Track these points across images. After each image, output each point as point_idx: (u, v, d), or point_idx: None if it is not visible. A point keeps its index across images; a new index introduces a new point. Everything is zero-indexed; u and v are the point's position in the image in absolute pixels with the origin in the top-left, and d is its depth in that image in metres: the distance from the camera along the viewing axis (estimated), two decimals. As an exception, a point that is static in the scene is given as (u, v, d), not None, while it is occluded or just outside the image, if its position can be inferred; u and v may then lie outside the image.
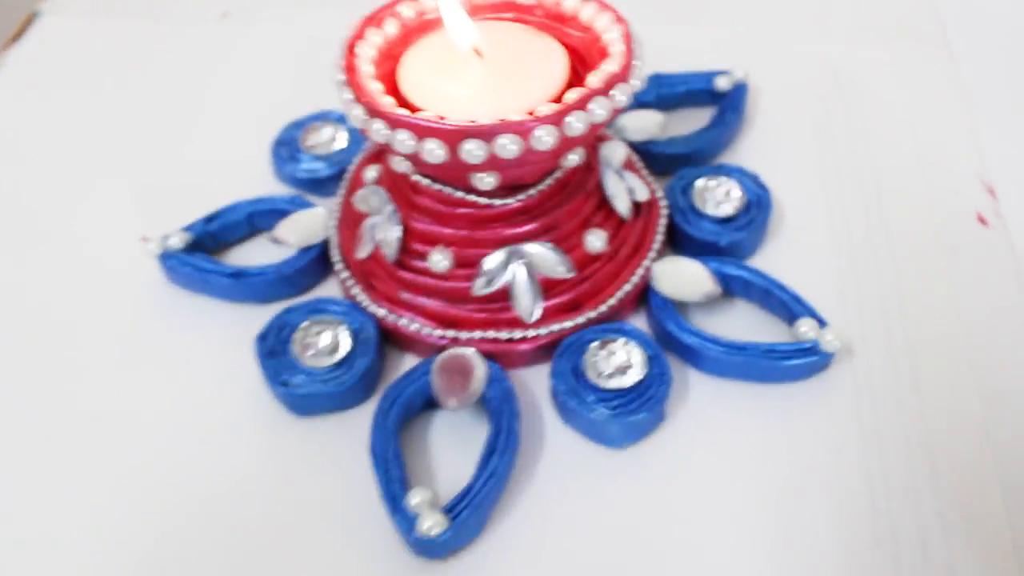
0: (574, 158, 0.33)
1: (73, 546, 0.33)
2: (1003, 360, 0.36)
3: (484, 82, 0.34)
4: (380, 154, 0.39)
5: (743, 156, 0.45)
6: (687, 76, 0.47)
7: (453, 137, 0.30)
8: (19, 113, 0.50)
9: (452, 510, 0.31)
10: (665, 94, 0.47)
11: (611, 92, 0.32)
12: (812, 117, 0.47)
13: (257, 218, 0.42)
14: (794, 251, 0.41)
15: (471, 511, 0.31)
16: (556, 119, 0.31)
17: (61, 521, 0.33)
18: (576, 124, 0.31)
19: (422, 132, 0.31)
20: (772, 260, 0.40)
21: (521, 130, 0.30)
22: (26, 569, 0.32)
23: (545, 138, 0.31)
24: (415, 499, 0.31)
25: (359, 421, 0.35)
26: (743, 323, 0.38)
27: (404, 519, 0.31)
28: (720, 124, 0.45)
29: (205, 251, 0.40)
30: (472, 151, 0.30)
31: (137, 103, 0.50)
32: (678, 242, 0.40)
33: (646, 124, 0.44)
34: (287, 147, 0.45)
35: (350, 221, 0.39)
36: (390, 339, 0.38)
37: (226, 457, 0.35)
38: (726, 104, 0.46)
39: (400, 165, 0.33)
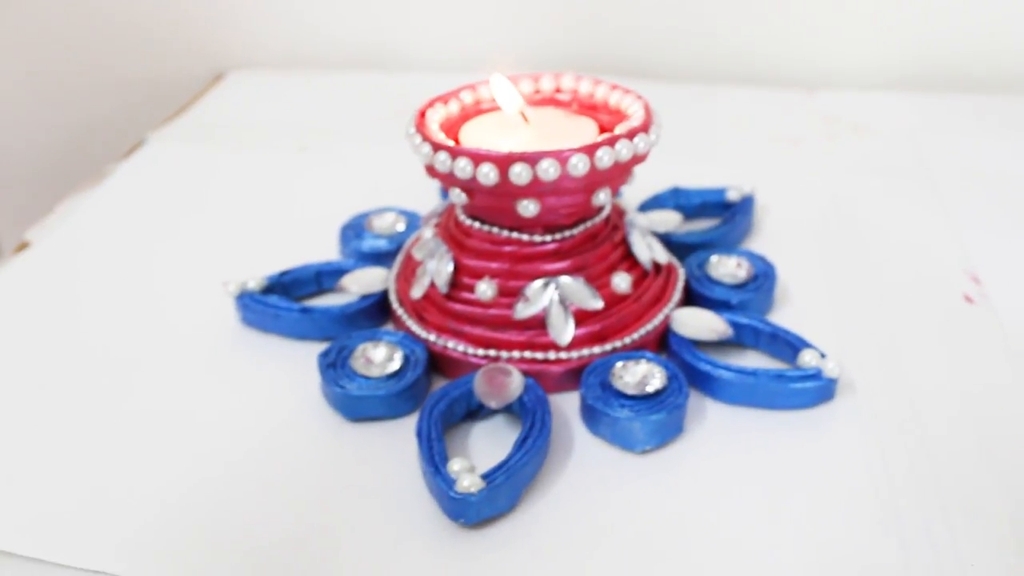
0: (603, 197, 0.40)
1: (148, 538, 0.35)
2: (987, 383, 0.40)
3: (529, 140, 0.41)
4: (437, 224, 0.46)
5: (751, 247, 0.51)
6: (703, 191, 0.55)
7: (504, 162, 0.37)
8: (126, 218, 0.58)
9: (488, 476, 0.34)
10: (683, 204, 0.54)
11: (634, 139, 0.39)
12: (813, 226, 0.54)
13: (324, 277, 0.48)
14: (798, 313, 0.46)
15: (506, 477, 0.34)
16: (589, 151, 0.37)
17: (138, 515, 0.36)
18: (604, 158, 0.38)
19: (479, 159, 0.37)
20: (778, 317, 0.45)
21: (560, 157, 0.37)
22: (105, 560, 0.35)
23: (579, 165, 0.37)
24: (456, 465, 0.34)
25: (408, 428, 0.38)
26: (751, 365, 0.42)
27: (444, 481, 0.34)
28: (731, 222, 0.51)
29: (277, 298, 0.46)
30: (519, 173, 0.37)
31: (220, 210, 0.58)
32: (694, 302, 0.45)
33: (667, 219, 0.51)
34: (353, 230, 0.52)
35: (407, 273, 0.45)
36: (439, 366, 0.42)
37: (285, 459, 0.38)
38: (737, 208, 0.53)
39: (458, 196, 0.40)
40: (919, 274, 0.49)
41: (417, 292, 0.43)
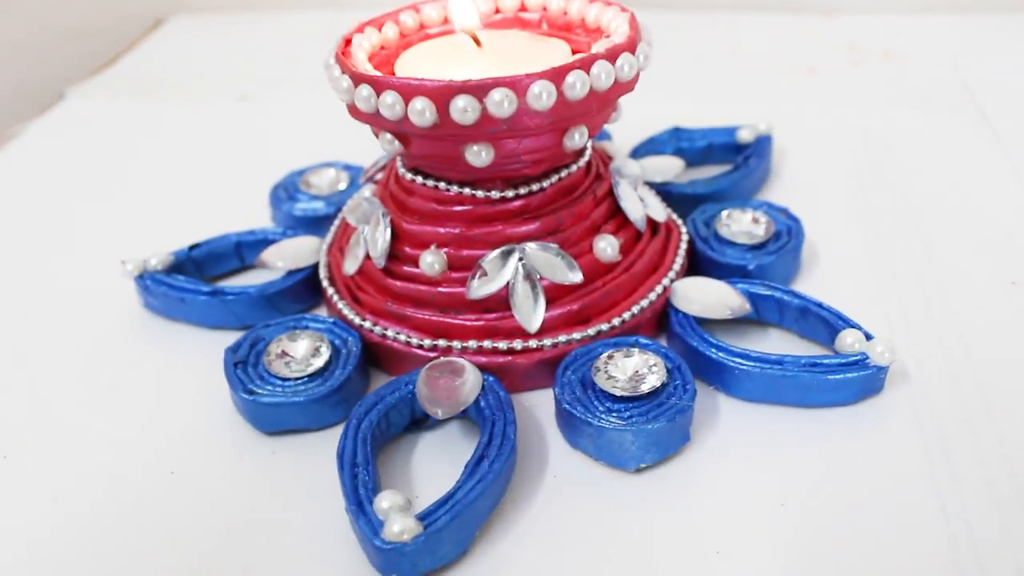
0: (579, 139, 0.30)
1: (38, 562, 0.27)
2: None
3: (483, 68, 0.32)
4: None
5: (770, 198, 0.42)
6: (708, 130, 0.45)
7: (442, 94, 0.28)
8: (35, 178, 0.49)
9: (427, 517, 0.25)
10: (685, 148, 0.45)
11: (616, 61, 0.29)
12: (842, 170, 0.44)
13: (246, 249, 0.39)
14: (829, 280, 0.37)
15: (450, 520, 0.25)
16: (554, 76, 0.28)
17: (27, 539, 0.28)
18: (577, 85, 0.28)
19: (409, 92, 0.28)
20: (807, 287, 0.36)
21: (516, 85, 0.28)
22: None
23: (543, 96, 0.28)
24: (384, 502, 0.25)
25: (334, 442, 0.30)
26: (776, 350, 0.33)
27: (369, 524, 0.25)
28: (744, 168, 0.42)
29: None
30: (463, 109, 0.28)
31: (143, 171, 0.49)
32: (701, 270, 0.36)
33: (665, 167, 0.41)
34: (286, 190, 0.43)
35: (342, 244, 0.36)
36: (378, 360, 0.33)
37: (191, 479, 0.30)
38: (750, 151, 0.43)
39: (389, 144, 0.30)
40: (978, 225, 0.40)
41: (350, 266, 0.34)
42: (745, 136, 0.44)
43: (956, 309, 0.35)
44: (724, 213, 0.38)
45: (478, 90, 0.28)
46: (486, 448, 0.28)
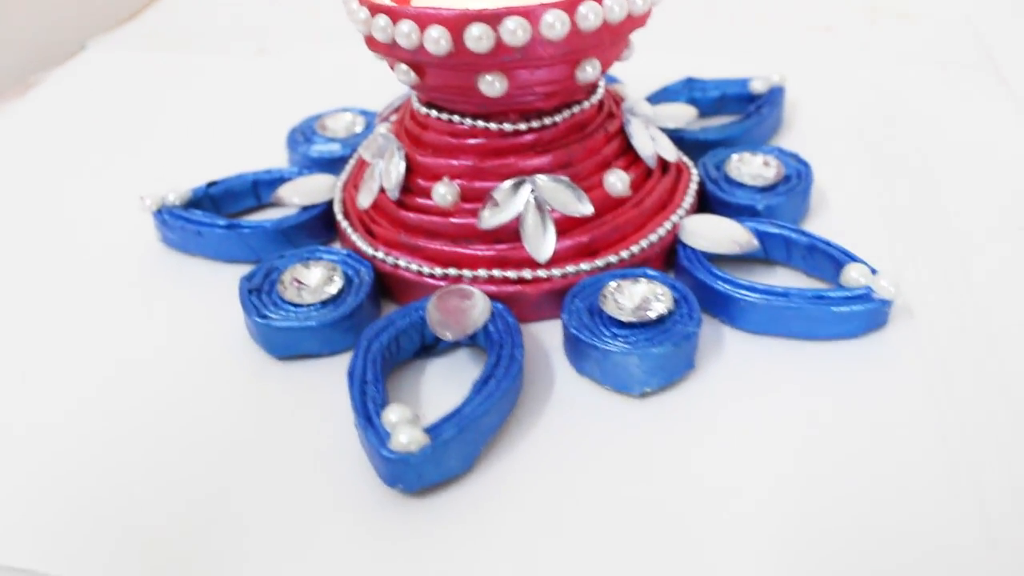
0: (591, 71, 0.31)
1: (51, 480, 0.28)
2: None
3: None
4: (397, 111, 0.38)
5: (780, 146, 0.42)
6: (721, 81, 0.45)
7: (458, 23, 0.28)
8: (54, 127, 0.50)
9: (434, 430, 0.26)
10: (698, 98, 0.45)
11: (630, -9, 0.30)
12: (853, 122, 0.45)
13: (263, 187, 0.40)
14: (838, 221, 0.37)
15: (456, 433, 0.26)
16: (568, 6, 0.28)
17: (40, 459, 0.29)
18: (590, 16, 0.29)
19: (425, 20, 0.29)
20: (815, 228, 0.36)
21: (530, 14, 0.28)
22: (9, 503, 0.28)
23: (556, 25, 0.28)
24: (392, 415, 0.26)
25: (346, 367, 0.31)
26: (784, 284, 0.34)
27: (377, 435, 0.26)
28: (756, 115, 0.42)
29: (203, 213, 0.38)
30: (478, 37, 0.28)
31: (163, 121, 0.50)
32: (710, 210, 0.37)
33: (678, 113, 0.42)
34: (303, 133, 0.43)
35: (357, 180, 0.37)
36: (390, 291, 0.34)
37: (205, 401, 0.31)
38: (763, 100, 0.43)
39: (405, 75, 0.31)
40: (990, 175, 0.40)
41: (365, 200, 0.35)
42: (758, 87, 0.44)
43: (963, 252, 0.35)
44: (735, 156, 0.38)
45: (492, 18, 0.28)
46: (494, 368, 0.28)
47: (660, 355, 0.29)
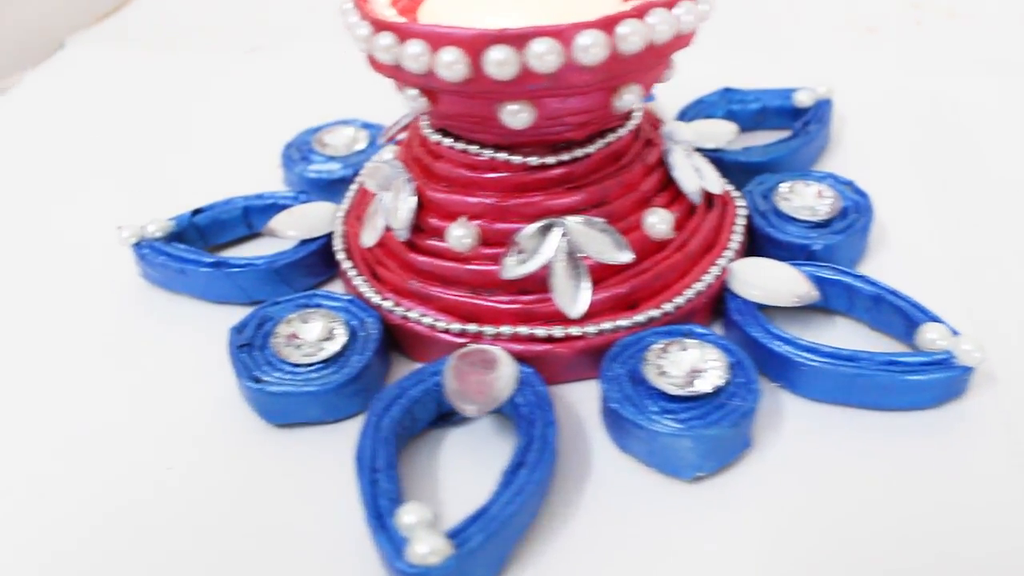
0: (630, 99, 0.27)
1: (34, 549, 0.25)
2: None
3: (523, 16, 0.28)
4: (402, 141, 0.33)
5: (835, 171, 0.38)
6: (762, 92, 0.41)
7: (476, 44, 0.24)
8: (30, 133, 0.46)
9: (459, 535, 0.22)
10: (736, 111, 0.41)
11: (674, 8, 0.25)
12: (909, 140, 0.40)
13: (255, 215, 0.36)
14: (902, 263, 0.33)
15: (485, 539, 0.22)
16: (606, 25, 0.24)
17: (23, 524, 0.25)
18: (632, 37, 0.24)
19: (437, 41, 0.24)
20: (875, 272, 0.32)
21: (562, 35, 0.24)
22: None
23: (592, 48, 0.24)
24: (408, 516, 0.22)
25: (351, 436, 0.27)
26: (847, 344, 0.30)
27: (391, 541, 0.22)
28: (803, 135, 0.38)
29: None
30: (500, 62, 0.24)
31: (146, 126, 0.45)
32: (759, 249, 0.33)
33: (718, 132, 0.37)
34: (299, 150, 0.39)
35: (360, 212, 0.33)
36: (400, 343, 0.30)
37: (190, 476, 0.27)
38: (810, 116, 0.39)
39: (414, 101, 0.27)
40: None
41: (369, 238, 0.31)
42: (803, 100, 0.40)
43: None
44: (785, 186, 0.34)
45: (517, 40, 0.24)
46: (524, 453, 0.24)
47: (716, 437, 0.25)
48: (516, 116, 0.26)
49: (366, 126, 0.40)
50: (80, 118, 0.47)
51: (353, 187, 0.35)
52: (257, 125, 0.44)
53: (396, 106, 0.37)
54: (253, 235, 0.36)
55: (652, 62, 0.26)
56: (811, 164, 0.38)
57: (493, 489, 0.23)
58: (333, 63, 0.48)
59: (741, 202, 0.33)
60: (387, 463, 0.24)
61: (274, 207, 0.35)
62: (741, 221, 0.32)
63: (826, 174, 0.35)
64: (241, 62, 0.51)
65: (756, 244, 0.33)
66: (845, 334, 0.30)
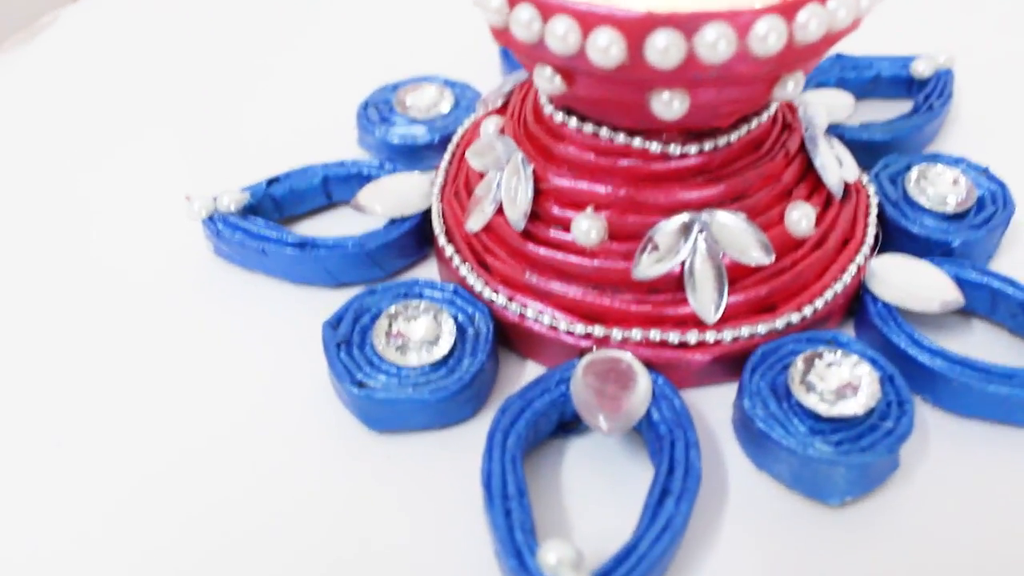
0: (792, 88, 0.24)
1: (96, 541, 0.23)
2: None
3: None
4: (503, 108, 0.30)
5: (956, 150, 0.35)
6: (877, 59, 0.38)
7: (638, 28, 0.21)
8: (67, 84, 0.42)
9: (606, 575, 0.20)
10: (849, 79, 0.38)
11: (857, -9, 0.22)
12: (1035, 114, 0.37)
13: (335, 185, 0.33)
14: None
15: (638, 579, 0.20)
16: (787, 10, 0.21)
17: (68, 537, 0.24)
18: (811, 23, 0.21)
19: (592, 21, 0.21)
20: (1011, 270, 0.29)
21: (737, 21, 0.21)
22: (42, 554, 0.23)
23: (771, 37, 0.21)
24: (551, 556, 0.20)
25: (463, 445, 0.25)
26: (986, 350, 0.27)
27: (536, 584, 0.20)
28: (926, 110, 0.35)
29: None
30: (664, 49, 0.21)
31: (203, 78, 0.42)
32: (891, 241, 0.30)
33: (834, 104, 0.34)
34: (377, 109, 0.36)
35: (459, 188, 0.30)
36: (508, 339, 0.28)
37: (277, 487, 0.25)
38: (931, 90, 0.36)
39: (548, 82, 0.24)
40: None
41: (476, 223, 0.28)
42: (921, 70, 0.37)
43: None
44: (916, 170, 0.31)
45: (687, 24, 0.21)
46: (667, 479, 0.22)
47: (868, 464, 0.23)
48: (669, 105, 0.23)
49: (448, 83, 0.36)
50: (123, 65, 0.43)
51: (446, 156, 0.32)
52: (327, 80, 0.40)
53: (478, 61, 0.34)
54: (331, 204, 0.33)
55: (824, 50, 0.23)
56: (924, 145, 0.36)
57: (633, 519, 0.22)
58: (406, 10, 0.45)
59: (870, 188, 0.30)
60: (518, 489, 0.22)
61: (358, 177, 0.32)
62: (874, 211, 0.29)
63: (960, 159, 0.32)
64: (303, 11, 0.47)
65: (887, 236, 0.30)
66: (983, 337, 0.28)
